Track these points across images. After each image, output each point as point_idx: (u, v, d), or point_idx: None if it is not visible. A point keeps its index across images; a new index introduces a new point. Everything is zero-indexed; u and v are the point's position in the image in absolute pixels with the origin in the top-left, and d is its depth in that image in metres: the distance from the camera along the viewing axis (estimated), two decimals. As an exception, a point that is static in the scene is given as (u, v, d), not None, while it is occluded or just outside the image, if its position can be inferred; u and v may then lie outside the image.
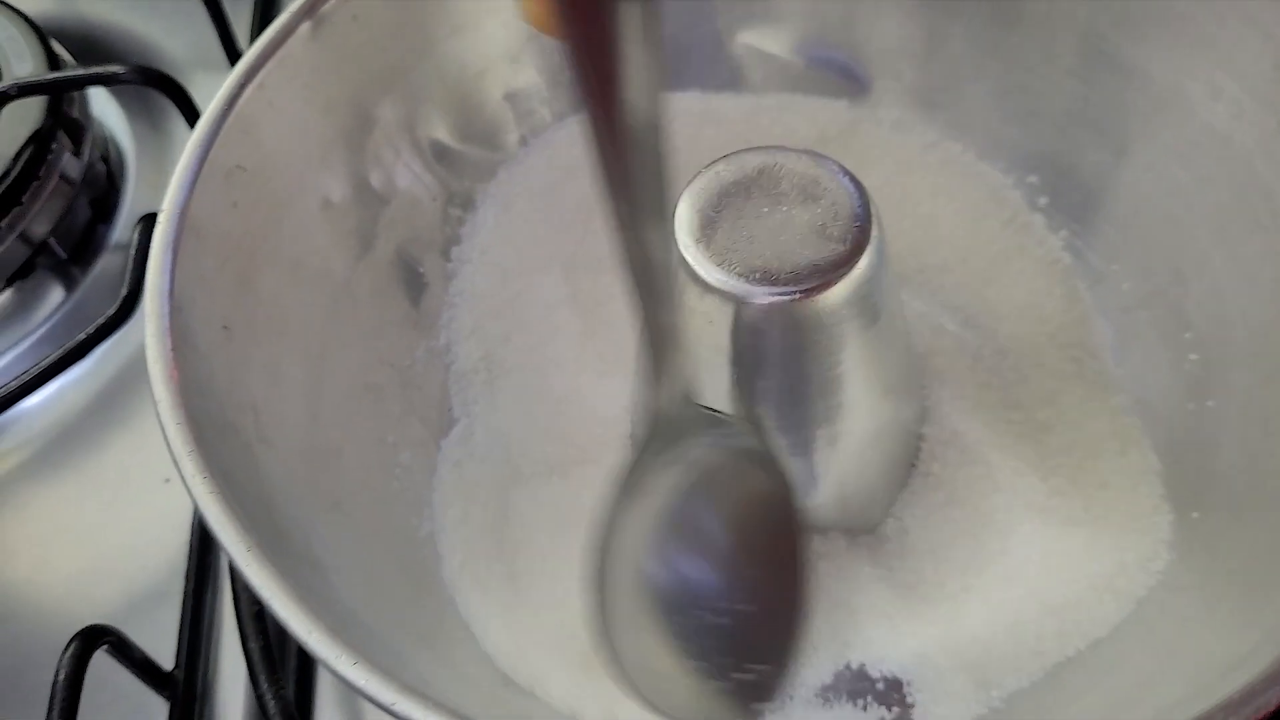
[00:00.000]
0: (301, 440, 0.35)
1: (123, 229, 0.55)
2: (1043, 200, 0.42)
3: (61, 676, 0.36)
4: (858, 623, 0.35)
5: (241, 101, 0.34)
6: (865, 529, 0.37)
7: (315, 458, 0.35)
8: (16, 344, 0.51)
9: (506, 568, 0.37)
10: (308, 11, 0.35)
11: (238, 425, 0.31)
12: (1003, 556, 0.35)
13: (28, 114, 0.51)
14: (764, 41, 0.44)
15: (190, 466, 0.27)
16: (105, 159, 0.56)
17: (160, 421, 0.28)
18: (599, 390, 0.40)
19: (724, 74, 0.44)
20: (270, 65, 0.35)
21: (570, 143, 0.43)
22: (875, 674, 0.35)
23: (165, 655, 0.42)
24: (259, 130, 0.35)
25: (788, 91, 0.44)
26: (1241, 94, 0.35)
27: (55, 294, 0.54)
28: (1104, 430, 0.38)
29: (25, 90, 0.50)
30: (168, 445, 0.28)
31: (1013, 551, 0.35)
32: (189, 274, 0.31)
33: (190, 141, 0.33)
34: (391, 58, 0.39)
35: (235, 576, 0.38)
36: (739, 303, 0.31)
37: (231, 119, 0.34)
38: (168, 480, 0.47)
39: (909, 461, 0.38)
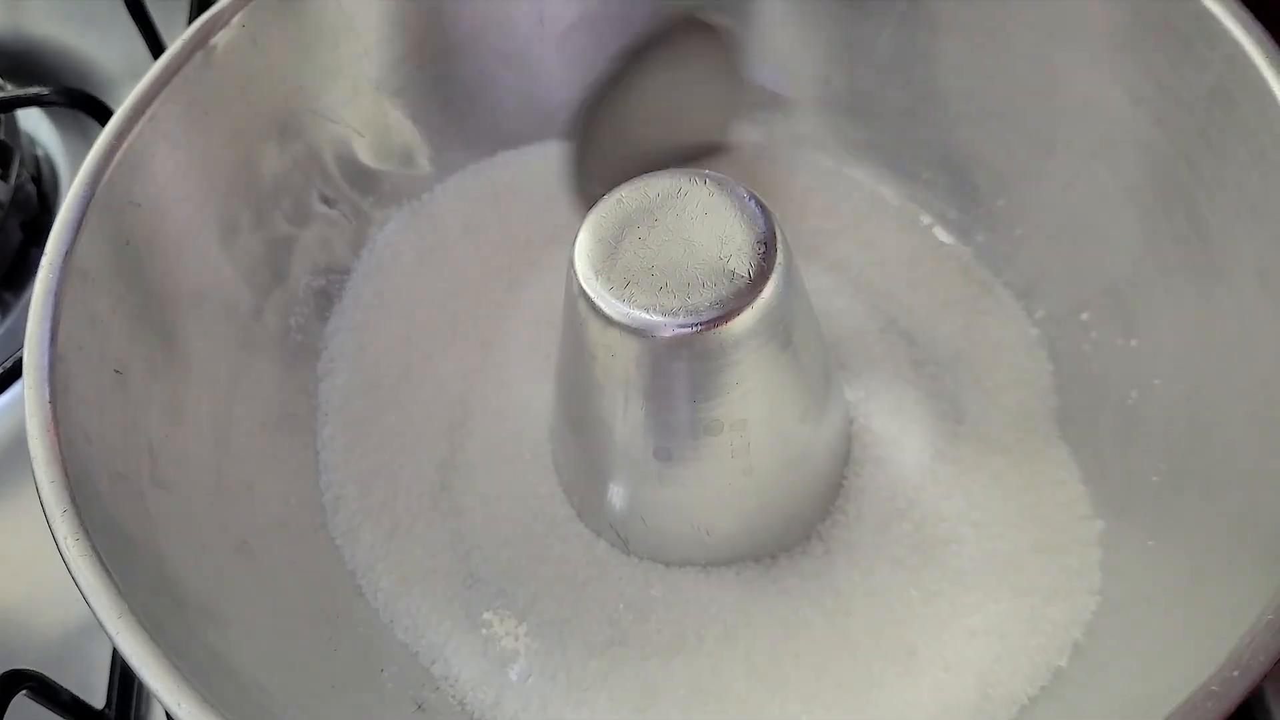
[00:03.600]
0: (207, 479, 0.34)
1: (56, 251, 0.53)
2: (975, 209, 0.41)
3: (-24, 725, 0.35)
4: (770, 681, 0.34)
5: (132, 137, 0.33)
6: (785, 549, 0.36)
7: (222, 496, 0.34)
8: (-52, 372, 0.50)
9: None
10: (201, 40, 0.34)
11: (128, 473, 0.30)
12: (928, 595, 0.35)
13: (-50, 138, 0.50)
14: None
15: (63, 528, 0.26)
16: (36, 179, 0.55)
17: (35, 479, 0.27)
18: (502, 400, 0.40)
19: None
20: (163, 97, 0.34)
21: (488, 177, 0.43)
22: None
23: (98, 691, 0.41)
24: (153, 164, 0.34)
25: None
26: (1161, 99, 0.34)
27: (-13, 320, 0.53)
28: (1035, 450, 0.37)
29: (-55, 115, 0.49)
30: (41, 504, 0.27)
31: (940, 587, 0.35)
32: (77, 319, 0.30)
33: (74, 183, 0.32)
34: (299, 81, 0.38)
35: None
36: (642, 336, 0.30)
37: (121, 155, 0.33)
38: (101, 510, 0.46)
39: (835, 482, 0.37)
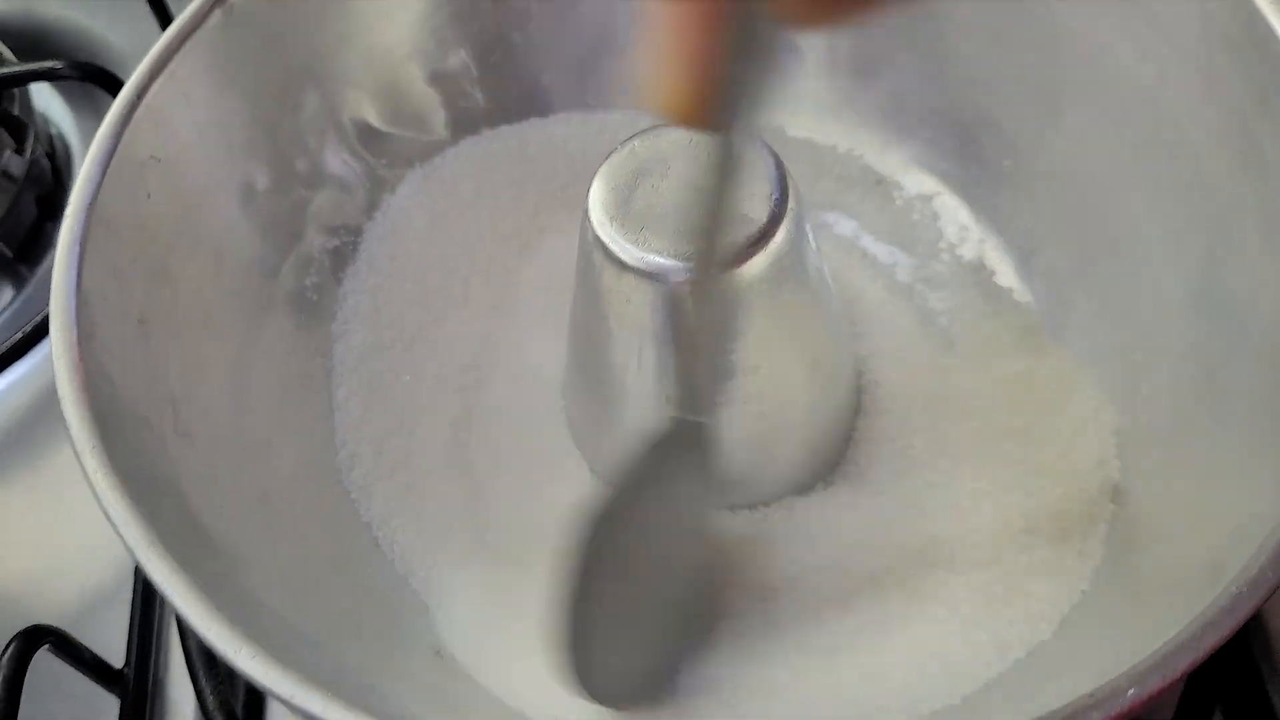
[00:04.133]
0: (227, 432, 0.34)
1: (69, 226, 0.54)
2: (981, 170, 0.42)
3: (0, 677, 0.35)
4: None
5: (152, 92, 0.33)
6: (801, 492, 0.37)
7: (242, 450, 0.34)
8: (-36, 343, 0.51)
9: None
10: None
11: (152, 420, 0.31)
12: (930, 546, 0.35)
13: (-34, 113, 0.51)
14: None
15: (93, 462, 0.27)
16: (50, 156, 0.56)
17: (65, 417, 0.28)
18: (514, 360, 0.41)
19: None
20: (181, 54, 0.34)
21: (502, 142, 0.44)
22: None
23: (117, 653, 0.41)
24: (173, 121, 0.34)
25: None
26: (1169, 54, 0.34)
27: (3, 293, 0.53)
28: (1043, 404, 0.37)
29: (-38, 88, 0.49)
30: (71, 441, 0.27)
31: (944, 540, 0.35)
32: (100, 268, 0.31)
33: (98, 134, 0.32)
34: (315, 42, 0.39)
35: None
36: (655, 280, 0.30)
37: (141, 110, 0.33)
38: (117, 478, 0.46)
39: (846, 432, 0.37)
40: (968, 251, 0.42)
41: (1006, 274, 0.41)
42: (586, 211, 0.31)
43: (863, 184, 0.44)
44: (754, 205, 0.30)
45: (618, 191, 0.31)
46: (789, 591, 0.35)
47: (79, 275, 0.30)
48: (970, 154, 0.42)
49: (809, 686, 0.33)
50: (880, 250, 0.42)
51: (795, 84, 0.44)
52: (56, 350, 0.29)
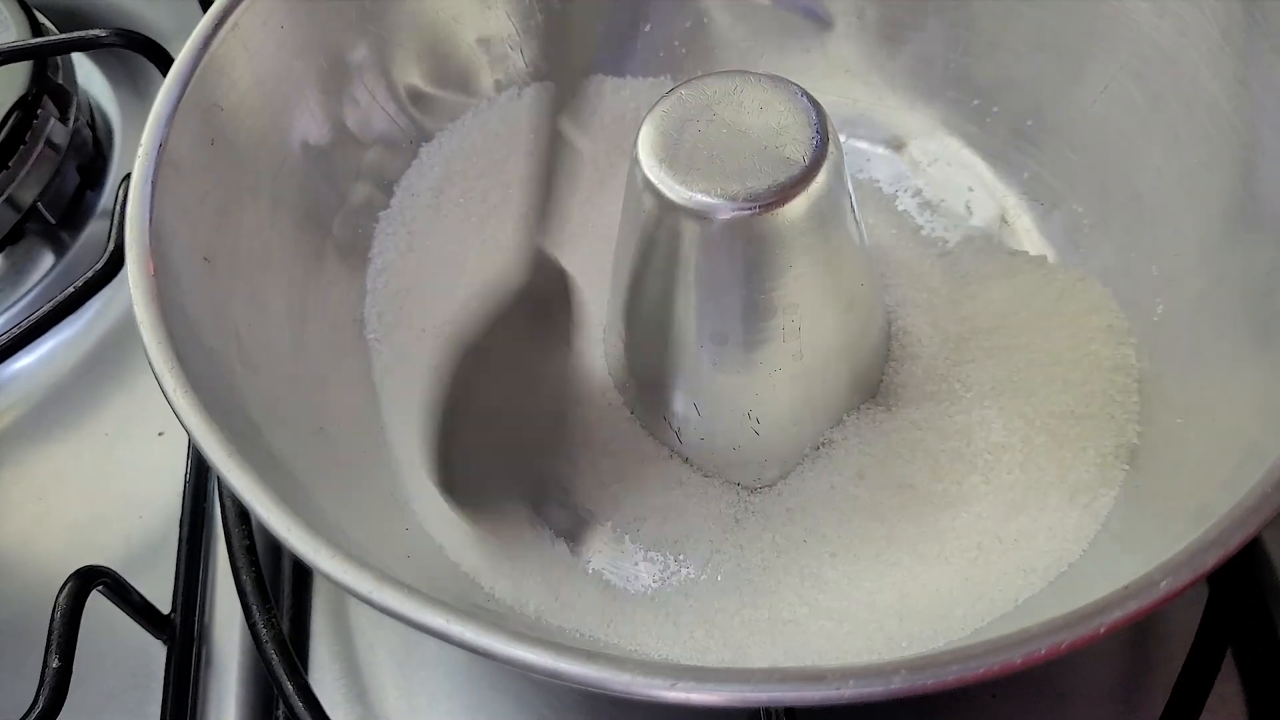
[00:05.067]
0: (286, 367, 0.36)
1: (110, 195, 0.55)
2: (1003, 130, 0.43)
3: (58, 615, 0.36)
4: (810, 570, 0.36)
5: (216, 43, 0.35)
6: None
7: (300, 384, 0.36)
8: (8, 308, 0.52)
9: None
10: (278, -45, 0.36)
11: (220, 350, 0.32)
12: (957, 483, 0.37)
13: (13, 80, 0.52)
14: (729, -18, 0.45)
15: (172, 381, 0.28)
16: (92, 126, 0.57)
17: (143, 342, 0.29)
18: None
19: (689, 19, 0.45)
20: (242, 8, 0.36)
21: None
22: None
23: (162, 603, 0.42)
24: (234, 71, 0.36)
25: (754, 35, 0.45)
26: (1185, 9, 0.36)
27: (45, 259, 0.54)
28: (1062, 350, 0.39)
29: (9, 56, 0.51)
30: (150, 363, 0.29)
31: (970, 476, 0.37)
32: (169, 206, 0.32)
33: (166, 79, 0.34)
34: (365, 3, 0.40)
35: (226, 514, 0.39)
36: (702, 219, 0.32)
37: (207, 59, 0.35)
38: (161, 433, 0.47)
39: (876, 377, 0.39)
40: (990, 209, 0.43)
41: (1028, 229, 0.43)
42: (636, 156, 0.33)
43: (889, 145, 0.45)
44: (796, 148, 0.32)
45: (666, 135, 0.33)
46: (818, 504, 0.37)
47: (151, 210, 0.31)
48: (992, 115, 0.43)
49: (840, 576, 0.35)
50: (906, 208, 0.44)
51: (825, 50, 0.45)
52: (133, 278, 0.30)
